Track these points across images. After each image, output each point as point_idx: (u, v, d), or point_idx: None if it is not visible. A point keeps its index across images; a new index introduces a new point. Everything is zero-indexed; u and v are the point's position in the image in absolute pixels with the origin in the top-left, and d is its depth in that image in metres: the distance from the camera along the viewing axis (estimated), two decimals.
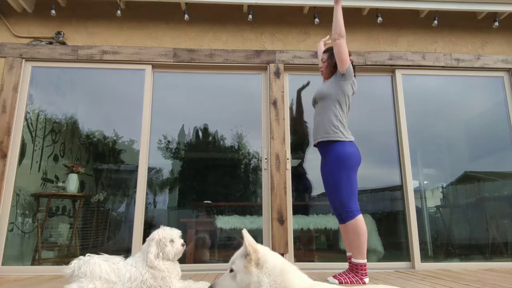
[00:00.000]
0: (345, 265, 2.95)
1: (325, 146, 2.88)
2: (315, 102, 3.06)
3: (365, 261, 2.74)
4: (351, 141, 2.86)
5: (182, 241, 2.23)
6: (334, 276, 2.77)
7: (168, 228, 2.22)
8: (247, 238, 1.34)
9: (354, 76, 2.94)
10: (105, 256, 2.08)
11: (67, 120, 4.38)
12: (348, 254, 2.92)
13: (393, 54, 4.23)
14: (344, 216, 2.76)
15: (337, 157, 2.78)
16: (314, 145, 3.01)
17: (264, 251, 1.37)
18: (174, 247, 2.17)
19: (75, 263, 1.99)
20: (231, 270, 1.39)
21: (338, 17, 2.85)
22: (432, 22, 4.19)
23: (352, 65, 2.91)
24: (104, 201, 4.38)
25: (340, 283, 2.70)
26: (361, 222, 2.73)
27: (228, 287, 1.37)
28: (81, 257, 2.02)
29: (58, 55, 3.99)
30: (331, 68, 3.00)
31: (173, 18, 4.18)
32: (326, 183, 2.93)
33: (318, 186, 4.11)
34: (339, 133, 2.82)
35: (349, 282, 2.70)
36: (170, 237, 2.18)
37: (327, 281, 2.68)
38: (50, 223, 4.12)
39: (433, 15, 4.19)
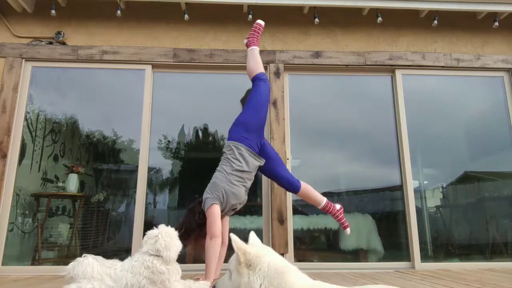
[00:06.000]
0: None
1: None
2: None
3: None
4: None
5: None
6: None
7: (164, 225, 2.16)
8: (234, 240, 1.36)
9: None
10: (101, 258, 2.04)
11: (67, 120, 4.38)
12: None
13: (393, 54, 4.23)
14: (296, 185, 2.99)
15: None
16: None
17: (258, 253, 1.34)
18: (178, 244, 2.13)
19: (71, 264, 1.97)
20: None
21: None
22: (432, 22, 4.19)
23: None
24: (104, 201, 4.38)
25: None
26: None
27: (226, 286, 1.40)
28: (78, 258, 2.00)
29: (58, 55, 3.99)
30: None
31: (173, 18, 4.18)
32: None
33: (318, 186, 4.09)
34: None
35: None
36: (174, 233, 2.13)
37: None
38: (50, 223, 4.12)
39: (433, 15, 4.19)
